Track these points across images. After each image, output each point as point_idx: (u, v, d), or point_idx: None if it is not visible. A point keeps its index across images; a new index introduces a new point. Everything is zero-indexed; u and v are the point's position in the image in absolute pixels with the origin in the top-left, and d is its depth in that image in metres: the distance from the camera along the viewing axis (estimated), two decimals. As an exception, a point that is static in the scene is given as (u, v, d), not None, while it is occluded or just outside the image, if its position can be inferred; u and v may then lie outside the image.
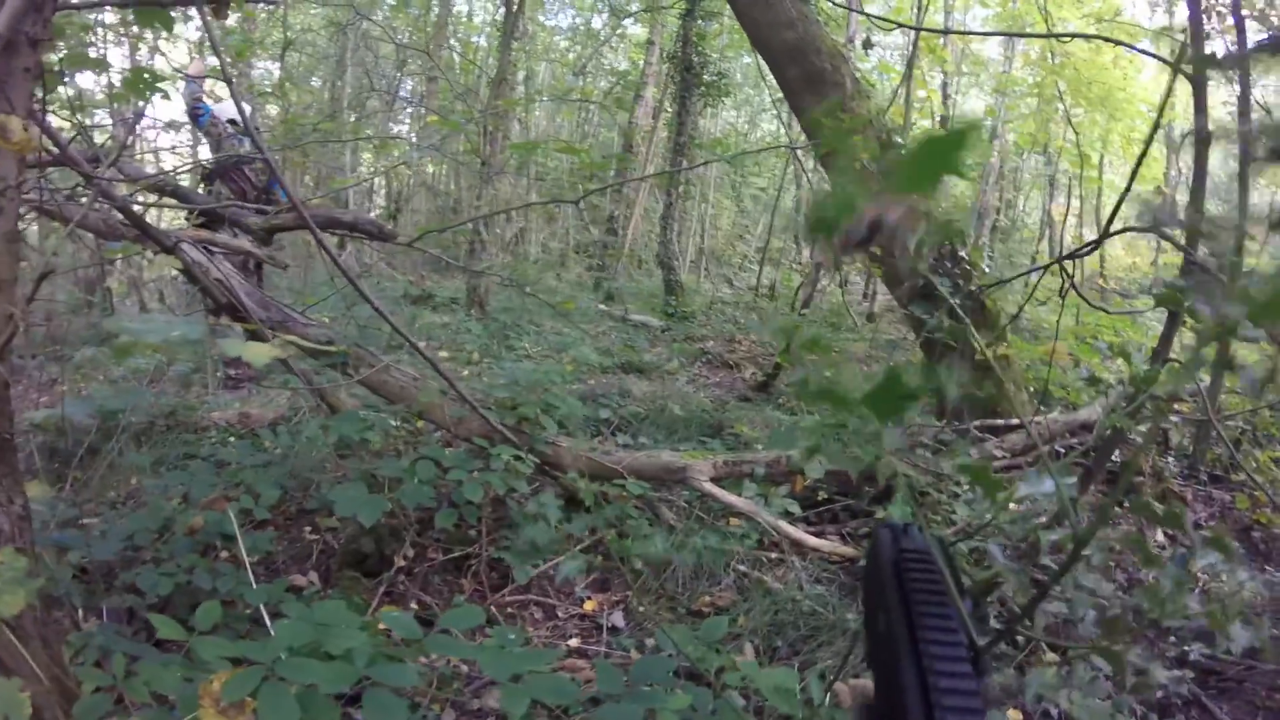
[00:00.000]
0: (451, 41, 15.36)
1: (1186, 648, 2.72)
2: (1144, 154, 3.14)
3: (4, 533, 1.67)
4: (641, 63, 15.13)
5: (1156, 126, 3.58)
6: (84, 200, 3.15)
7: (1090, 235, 14.41)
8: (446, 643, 1.64)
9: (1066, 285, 3.16)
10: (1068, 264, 3.41)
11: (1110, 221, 3.08)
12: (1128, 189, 3.12)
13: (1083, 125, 10.14)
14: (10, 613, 1.33)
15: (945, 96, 13.53)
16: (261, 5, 11.51)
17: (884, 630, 0.63)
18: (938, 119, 13.23)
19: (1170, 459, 4.68)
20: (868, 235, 0.65)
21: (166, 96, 2.34)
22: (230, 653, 1.47)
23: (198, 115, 5.92)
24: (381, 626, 2.13)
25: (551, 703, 1.60)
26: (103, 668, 1.66)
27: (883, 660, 0.63)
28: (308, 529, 3.42)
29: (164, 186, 4.01)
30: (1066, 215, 14.32)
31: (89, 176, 1.96)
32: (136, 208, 3.09)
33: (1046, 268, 3.48)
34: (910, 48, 9.82)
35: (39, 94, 1.73)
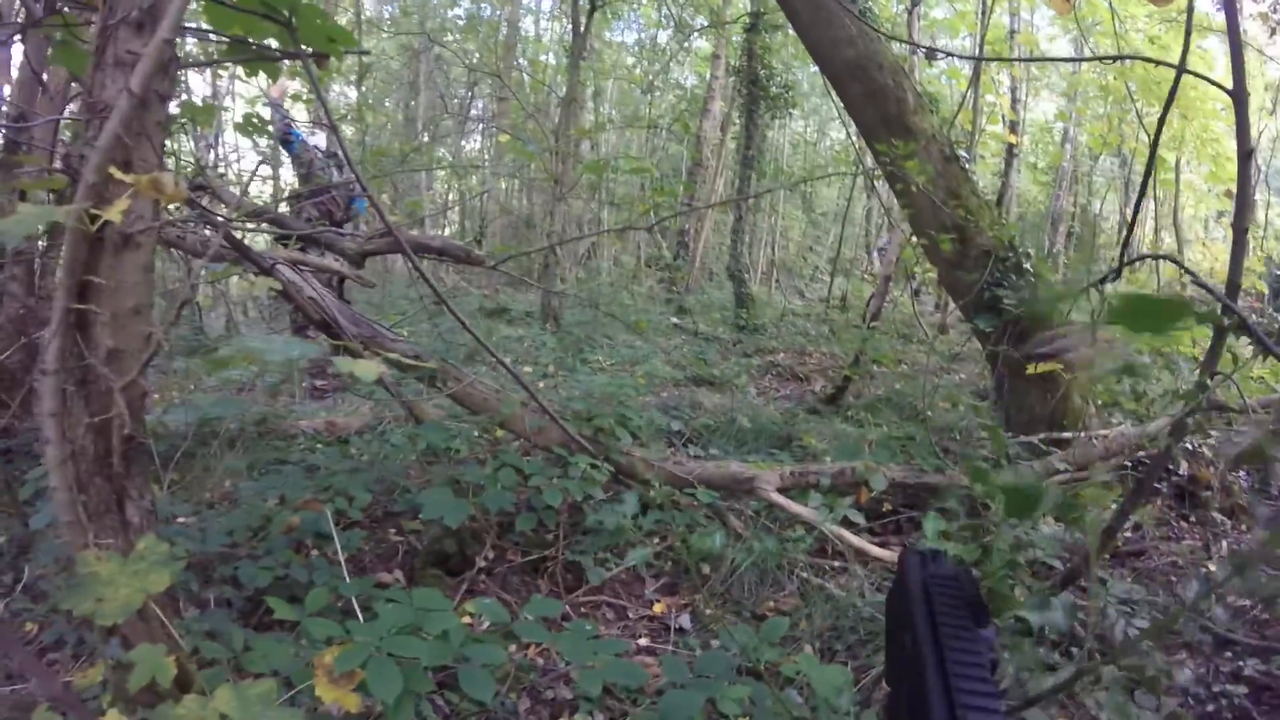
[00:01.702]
0: (521, 61, 15.73)
1: (1241, 663, 2.73)
2: (1152, 156, 3.17)
3: (134, 525, 1.90)
4: (708, 76, 15.27)
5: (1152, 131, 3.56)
6: (188, 224, 3.44)
7: (1168, 239, 14.06)
8: (532, 628, 1.81)
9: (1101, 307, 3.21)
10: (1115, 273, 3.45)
11: (1130, 229, 3.12)
12: (1133, 220, 3.14)
13: (1155, 125, 9.93)
14: (158, 589, 1.53)
15: (1014, 100, 13.35)
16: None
17: (909, 649, 0.72)
18: (1007, 124, 13.06)
19: (1242, 472, 4.62)
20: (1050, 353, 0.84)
21: (270, 136, 2.58)
22: (338, 633, 1.65)
23: (289, 142, 6.25)
24: (466, 620, 2.32)
25: (624, 685, 1.74)
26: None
27: (906, 678, 0.71)
28: (392, 530, 3.63)
29: (263, 212, 4.29)
30: (1134, 219, 13.93)
31: (201, 208, 2.19)
32: (238, 234, 3.35)
33: (1080, 292, 3.54)
34: (976, 52, 9.79)
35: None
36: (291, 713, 1.28)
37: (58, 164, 3.91)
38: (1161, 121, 3.18)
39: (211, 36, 2.40)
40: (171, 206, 3.22)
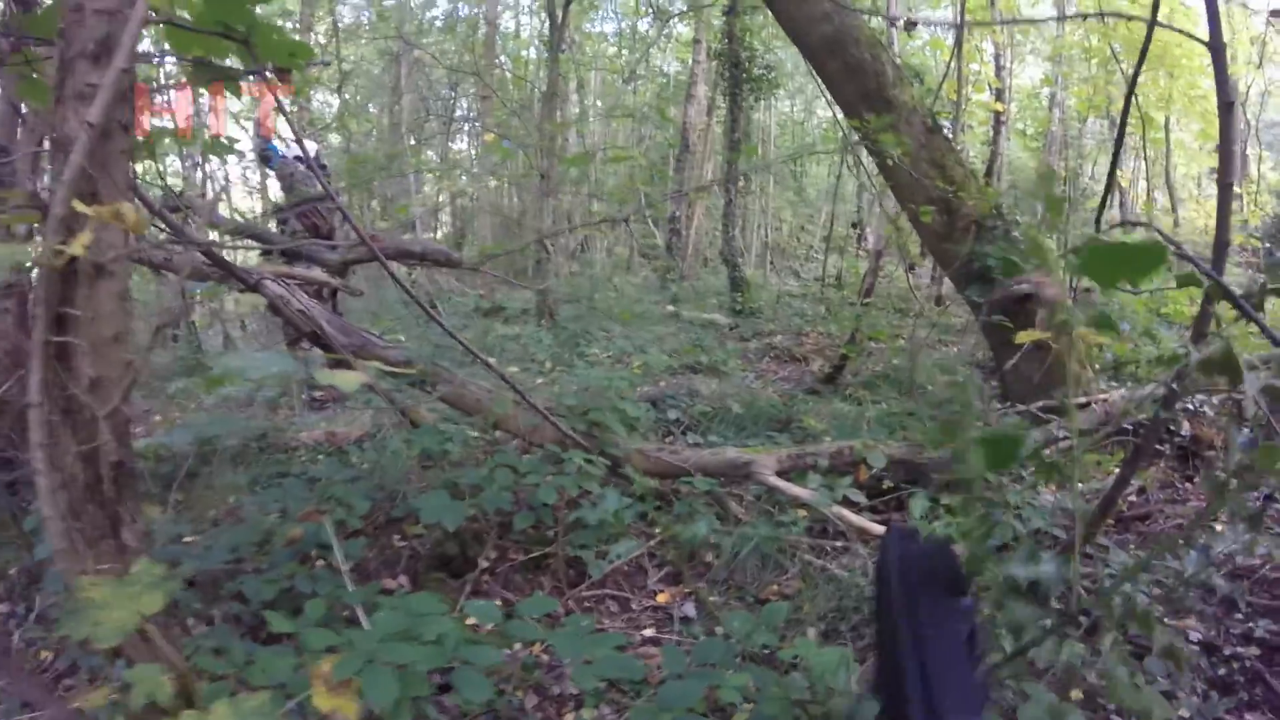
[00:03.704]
0: (502, 59, 15.69)
1: (1252, 624, 2.72)
2: (1125, 110, 3.19)
3: (130, 548, 1.92)
4: (690, 62, 15.22)
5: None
6: (168, 246, 3.44)
7: (1161, 198, 14.02)
8: (524, 628, 1.82)
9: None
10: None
11: (1107, 191, 3.12)
12: (1109, 180, 3.16)
13: (1142, 85, 9.90)
14: (153, 610, 1.54)
15: (999, 68, 13.30)
16: (316, 43, 11.97)
17: (890, 623, 0.74)
18: (993, 92, 13.02)
19: (1245, 430, 4.59)
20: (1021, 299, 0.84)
21: (242, 155, 2.59)
22: (335, 642, 1.67)
23: (268, 157, 6.24)
24: (470, 621, 2.34)
25: (619, 679, 1.75)
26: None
27: (887, 649, 0.74)
28: (395, 536, 3.63)
29: (245, 229, 4.29)
30: (1108, 180, 13.87)
31: (178, 229, 2.19)
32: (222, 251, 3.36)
33: (1058, 259, 3.53)
34: (957, 22, 9.75)
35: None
36: (285, 726, 1.29)
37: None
38: (1135, 75, 3.17)
39: (173, 59, 2.42)
40: (151, 229, 3.23)
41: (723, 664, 1.92)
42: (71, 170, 1.72)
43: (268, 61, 2.15)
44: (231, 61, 2.23)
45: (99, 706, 1.78)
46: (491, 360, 2.94)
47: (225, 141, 2.41)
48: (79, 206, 1.67)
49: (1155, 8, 2.65)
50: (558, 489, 3.17)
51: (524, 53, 18.05)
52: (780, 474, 3.68)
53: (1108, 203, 3.54)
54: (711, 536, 3.28)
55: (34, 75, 2.28)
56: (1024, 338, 3.63)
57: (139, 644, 1.87)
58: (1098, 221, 3.22)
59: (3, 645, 2.89)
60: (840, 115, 5.92)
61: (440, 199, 16.53)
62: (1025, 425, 4.13)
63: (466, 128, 18.24)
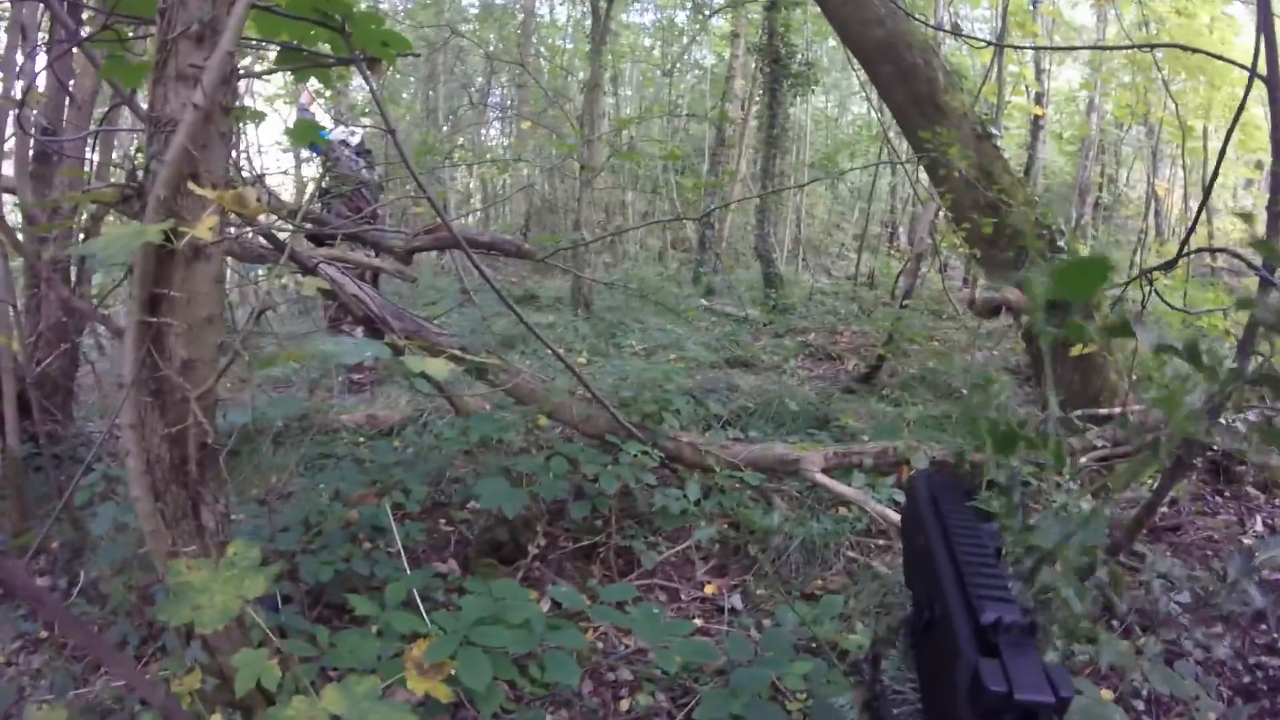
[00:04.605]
0: (540, 49, 15.70)
1: (1276, 635, 2.77)
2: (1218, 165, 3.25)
3: (209, 529, 1.94)
4: (727, 55, 15.18)
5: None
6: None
7: (1196, 207, 13.87)
8: (606, 612, 1.89)
9: (1148, 294, 3.26)
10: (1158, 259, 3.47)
11: (1201, 207, 3.15)
12: (1194, 223, 3.21)
13: (1182, 94, 9.76)
14: (254, 595, 1.57)
15: (1038, 70, 13.19)
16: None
17: (923, 545, 0.80)
18: (1032, 96, 12.93)
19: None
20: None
21: (325, 143, 2.64)
22: (420, 627, 1.73)
23: (315, 142, 6.30)
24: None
25: (696, 662, 1.81)
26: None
27: (922, 571, 0.79)
28: (442, 521, 3.71)
29: (315, 218, 4.34)
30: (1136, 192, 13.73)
31: (250, 218, 2.23)
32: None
33: (1128, 284, 3.58)
34: (999, 23, 9.69)
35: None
36: (398, 707, 1.34)
37: (94, 175, 3.98)
38: (1228, 135, 3.22)
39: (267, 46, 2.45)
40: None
41: (783, 653, 1.98)
42: (175, 151, 1.69)
43: (361, 50, 2.15)
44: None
45: (193, 690, 1.81)
46: (562, 352, 3.00)
47: (306, 126, 2.45)
48: (196, 189, 1.68)
49: (1256, 55, 2.62)
50: (616, 478, 3.23)
51: (558, 41, 18.03)
52: (825, 471, 3.72)
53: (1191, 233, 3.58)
54: (779, 529, 3.34)
55: (119, 54, 2.29)
56: (1075, 352, 3.68)
57: (217, 634, 1.89)
58: (1181, 248, 3.25)
59: (71, 616, 2.93)
60: (879, 108, 5.92)
61: (472, 184, 16.59)
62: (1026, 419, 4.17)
63: (500, 115, 18.25)
